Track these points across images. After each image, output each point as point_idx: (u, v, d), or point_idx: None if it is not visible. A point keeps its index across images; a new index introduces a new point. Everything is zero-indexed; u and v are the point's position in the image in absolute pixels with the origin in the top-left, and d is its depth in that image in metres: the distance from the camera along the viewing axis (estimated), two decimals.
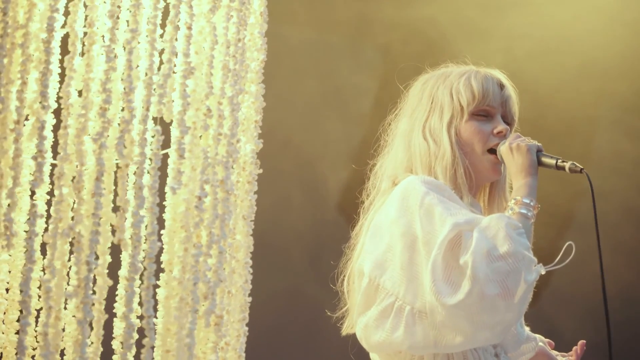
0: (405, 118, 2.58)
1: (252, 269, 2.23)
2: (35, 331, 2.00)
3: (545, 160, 2.46)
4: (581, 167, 2.43)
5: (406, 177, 2.46)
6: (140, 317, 1.97)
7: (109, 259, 2.18)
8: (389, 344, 2.35)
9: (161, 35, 2.08)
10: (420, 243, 2.32)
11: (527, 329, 2.62)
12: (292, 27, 4.66)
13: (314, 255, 4.59)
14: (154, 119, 2.06)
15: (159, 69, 2.06)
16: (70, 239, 1.97)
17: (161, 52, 2.08)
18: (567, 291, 4.70)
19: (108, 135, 2.03)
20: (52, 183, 2.06)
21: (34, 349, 2.03)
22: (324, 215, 4.65)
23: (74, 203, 2.00)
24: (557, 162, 2.45)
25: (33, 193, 2.15)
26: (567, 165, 2.44)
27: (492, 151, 2.53)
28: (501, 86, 2.56)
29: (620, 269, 4.72)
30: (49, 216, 2.02)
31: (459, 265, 2.27)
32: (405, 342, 2.33)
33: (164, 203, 2.09)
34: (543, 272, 2.30)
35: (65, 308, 2.09)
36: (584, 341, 2.73)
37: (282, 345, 4.55)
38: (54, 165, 2.12)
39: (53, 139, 2.04)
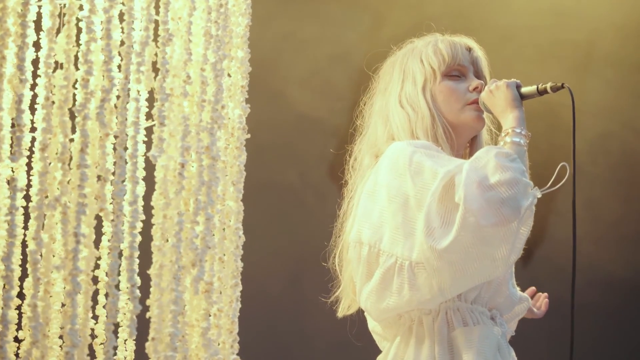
0: (379, 96, 2.60)
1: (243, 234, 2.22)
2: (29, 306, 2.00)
3: (525, 91, 2.48)
4: (562, 82, 2.46)
5: (390, 145, 2.44)
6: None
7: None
8: (398, 305, 2.32)
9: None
10: (412, 200, 2.30)
11: (518, 289, 2.61)
12: None
13: None
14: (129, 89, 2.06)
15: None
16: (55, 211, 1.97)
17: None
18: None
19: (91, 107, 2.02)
20: (29, 156, 2.06)
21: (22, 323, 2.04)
22: None
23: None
24: (537, 87, 2.47)
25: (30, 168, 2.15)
26: (547, 86, 2.46)
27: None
28: (468, 49, 2.58)
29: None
30: (28, 190, 2.02)
31: (456, 204, 2.24)
32: (413, 299, 2.29)
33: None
34: (539, 195, 2.29)
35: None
36: (546, 293, 2.79)
37: None
38: (34, 139, 2.12)
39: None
